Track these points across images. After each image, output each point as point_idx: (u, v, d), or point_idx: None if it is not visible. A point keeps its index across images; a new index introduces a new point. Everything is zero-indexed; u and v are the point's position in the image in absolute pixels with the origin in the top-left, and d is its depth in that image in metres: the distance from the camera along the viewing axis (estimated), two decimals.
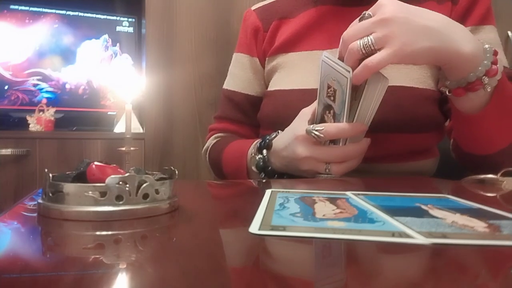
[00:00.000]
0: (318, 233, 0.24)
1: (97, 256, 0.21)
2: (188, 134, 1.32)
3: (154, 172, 0.35)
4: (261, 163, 0.64)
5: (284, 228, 0.25)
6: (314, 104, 0.61)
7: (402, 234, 0.23)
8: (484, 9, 0.68)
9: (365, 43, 0.50)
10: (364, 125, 0.55)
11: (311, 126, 0.57)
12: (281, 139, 0.62)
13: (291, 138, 0.60)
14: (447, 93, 0.55)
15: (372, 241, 0.23)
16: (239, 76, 0.83)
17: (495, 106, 0.54)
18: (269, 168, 0.63)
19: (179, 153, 1.31)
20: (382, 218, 0.28)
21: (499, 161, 0.59)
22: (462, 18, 0.68)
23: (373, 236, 0.23)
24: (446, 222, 0.27)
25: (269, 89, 0.78)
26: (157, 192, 0.30)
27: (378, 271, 0.20)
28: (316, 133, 0.56)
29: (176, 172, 0.34)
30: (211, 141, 0.84)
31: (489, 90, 0.52)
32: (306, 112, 0.61)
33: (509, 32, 1.63)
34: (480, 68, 0.51)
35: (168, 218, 0.30)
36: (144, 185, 0.29)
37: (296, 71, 0.73)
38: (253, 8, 0.85)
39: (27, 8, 1.55)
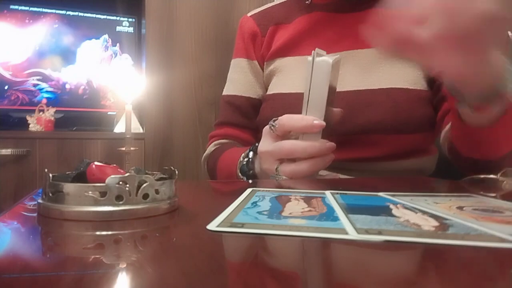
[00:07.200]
0: (274, 230, 0.24)
1: (97, 256, 0.21)
2: (188, 134, 1.32)
3: (154, 172, 0.35)
4: (245, 167, 0.61)
5: (242, 225, 0.25)
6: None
7: (343, 231, 0.24)
8: None
9: None
10: (316, 119, 0.52)
11: (273, 119, 0.56)
12: None
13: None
14: (471, 112, 0.52)
15: (318, 237, 0.23)
16: (240, 80, 0.83)
17: (509, 115, 0.52)
18: (251, 172, 0.60)
19: (179, 153, 1.32)
20: (341, 216, 0.28)
21: (502, 165, 0.58)
22: None
23: (321, 233, 0.24)
24: (398, 221, 0.26)
25: (268, 92, 0.78)
26: (157, 192, 0.30)
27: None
28: (273, 123, 0.55)
29: (176, 172, 0.34)
30: (210, 149, 0.82)
31: None
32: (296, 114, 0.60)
33: (509, 32, 1.63)
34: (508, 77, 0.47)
35: (168, 218, 0.30)
36: (144, 185, 0.29)
37: (294, 75, 0.74)
38: (249, 14, 0.86)
39: (27, 8, 1.55)
